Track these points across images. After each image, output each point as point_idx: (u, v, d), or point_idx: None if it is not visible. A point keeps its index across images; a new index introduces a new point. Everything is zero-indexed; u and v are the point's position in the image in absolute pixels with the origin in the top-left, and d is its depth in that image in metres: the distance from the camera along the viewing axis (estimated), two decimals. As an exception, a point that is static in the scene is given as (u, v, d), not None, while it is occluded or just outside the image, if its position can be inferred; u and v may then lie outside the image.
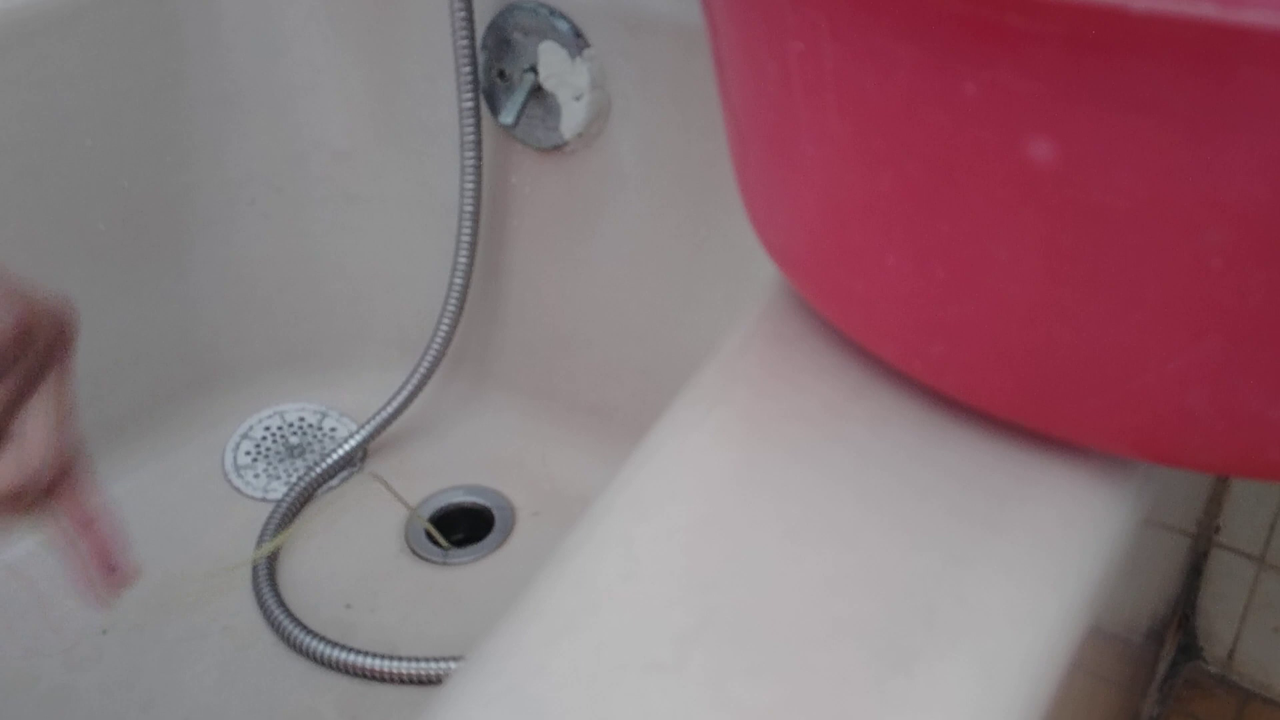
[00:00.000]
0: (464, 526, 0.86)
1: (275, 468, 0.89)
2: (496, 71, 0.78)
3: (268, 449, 0.90)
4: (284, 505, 0.84)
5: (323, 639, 0.75)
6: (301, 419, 0.93)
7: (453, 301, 0.84)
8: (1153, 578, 0.66)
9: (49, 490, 0.39)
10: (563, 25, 0.74)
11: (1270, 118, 0.22)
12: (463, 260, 0.83)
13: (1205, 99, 0.22)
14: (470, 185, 0.80)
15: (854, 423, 0.35)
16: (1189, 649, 0.89)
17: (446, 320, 0.85)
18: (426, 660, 0.73)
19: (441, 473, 0.89)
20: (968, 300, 0.30)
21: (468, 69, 0.76)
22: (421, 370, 0.86)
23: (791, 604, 0.30)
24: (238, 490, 0.87)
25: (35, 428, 0.37)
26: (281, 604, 0.77)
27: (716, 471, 0.34)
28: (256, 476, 0.88)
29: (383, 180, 0.90)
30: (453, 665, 0.73)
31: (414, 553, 0.83)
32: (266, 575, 0.79)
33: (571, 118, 0.76)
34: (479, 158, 0.79)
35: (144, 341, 0.86)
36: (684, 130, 0.73)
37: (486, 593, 0.80)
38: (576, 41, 0.74)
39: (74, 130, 0.78)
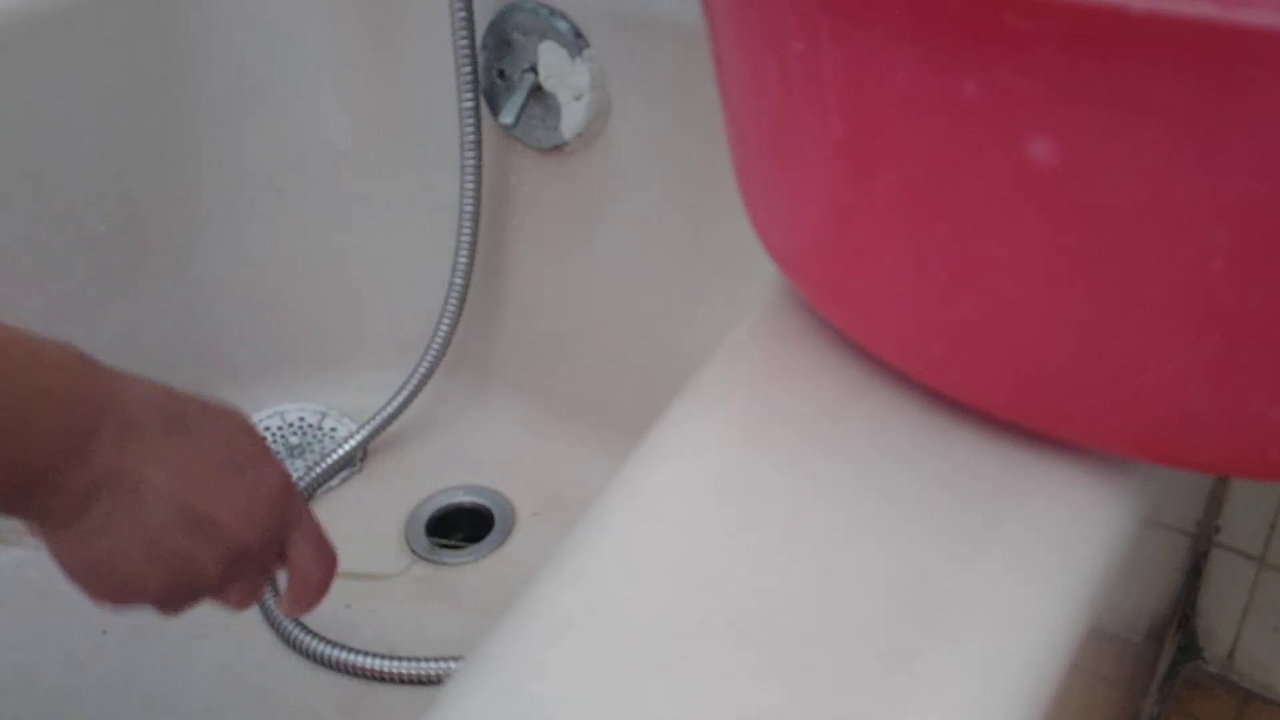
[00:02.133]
0: (464, 526, 0.86)
1: (275, 468, 0.89)
2: (496, 71, 0.78)
3: (268, 449, 0.90)
4: (284, 505, 0.84)
5: (323, 639, 0.75)
6: (301, 419, 0.93)
7: (453, 301, 0.84)
8: (1153, 578, 0.66)
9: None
10: (563, 25, 0.74)
11: (1270, 118, 0.22)
12: (463, 260, 0.83)
13: (1205, 99, 0.22)
14: (470, 185, 0.80)
15: (854, 423, 0.35)
16: (1189, 649, 0.89)
17: (446, 320, 0.85)
18: (426, 660, 0.73)
19: (441, 473, 0.89)
20: (968, 300, 0.30)
21: (468, 69, 0.76)
22: (421, 370, 0.86)
23: (792, 603, 0.30)
24: (238, 490, 0.87)
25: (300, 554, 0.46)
26: (281, 604, 0.77)
27: (717, 471, 0.34)
28: (256, 476, 0.88)
29: (383, 180, 0.90)
30: (453, 665, 0.73)
31: (414, 553, 0.83)
32: (266, 575, 0.79)
33: (571, 118, 0.76)
34: (479, 158, 0.79)
35: (144, 342, 0.86)
36: (684, 130, 0.73)
37: (486, 593, 0.80)
38: (576, 41, 0.74)
39: (74, 130, 0.78)
